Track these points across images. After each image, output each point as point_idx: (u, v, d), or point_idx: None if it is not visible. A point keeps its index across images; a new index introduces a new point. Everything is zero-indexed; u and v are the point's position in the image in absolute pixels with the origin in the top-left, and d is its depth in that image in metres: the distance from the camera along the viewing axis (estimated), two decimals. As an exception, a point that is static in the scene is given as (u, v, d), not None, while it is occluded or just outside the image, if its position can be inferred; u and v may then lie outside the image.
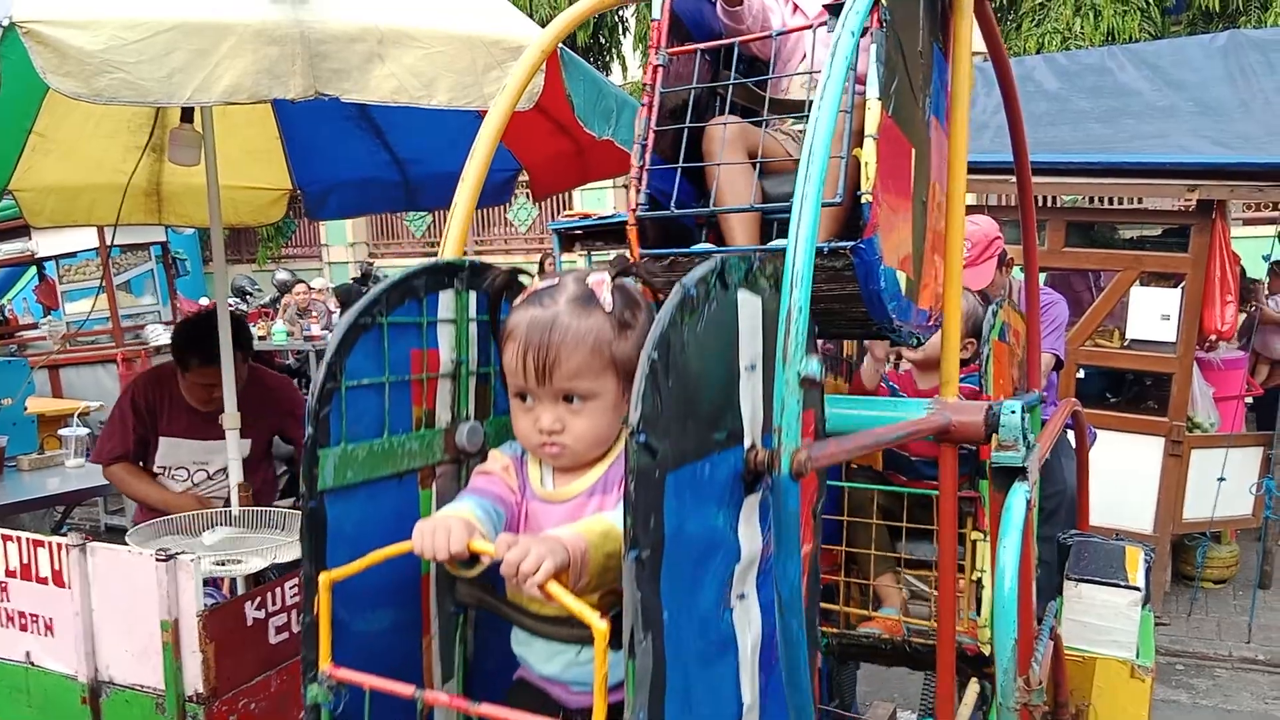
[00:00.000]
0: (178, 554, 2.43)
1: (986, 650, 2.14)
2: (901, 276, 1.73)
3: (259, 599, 2.53)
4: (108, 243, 8.27)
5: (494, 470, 1.52)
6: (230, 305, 4.03)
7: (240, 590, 3.31)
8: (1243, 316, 6.28)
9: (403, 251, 18.87)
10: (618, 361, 1.43)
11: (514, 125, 2.01)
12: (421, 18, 2.66)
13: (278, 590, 2.57)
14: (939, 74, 1.92)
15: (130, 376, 8.15)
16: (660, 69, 1.90)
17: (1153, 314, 5.31)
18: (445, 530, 1.29)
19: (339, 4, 2.57)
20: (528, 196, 4.74)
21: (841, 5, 1.54)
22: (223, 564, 3.04)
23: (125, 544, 2.89)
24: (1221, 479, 5.14)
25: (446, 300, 1.53)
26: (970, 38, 1.94)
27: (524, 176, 4.66)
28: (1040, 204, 5.62)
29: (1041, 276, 6.24)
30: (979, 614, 2.20)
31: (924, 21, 1.81)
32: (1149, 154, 5.09)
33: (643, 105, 1.88)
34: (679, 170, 1.89)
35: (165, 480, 3.78)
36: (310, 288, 11.98)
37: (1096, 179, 5.38)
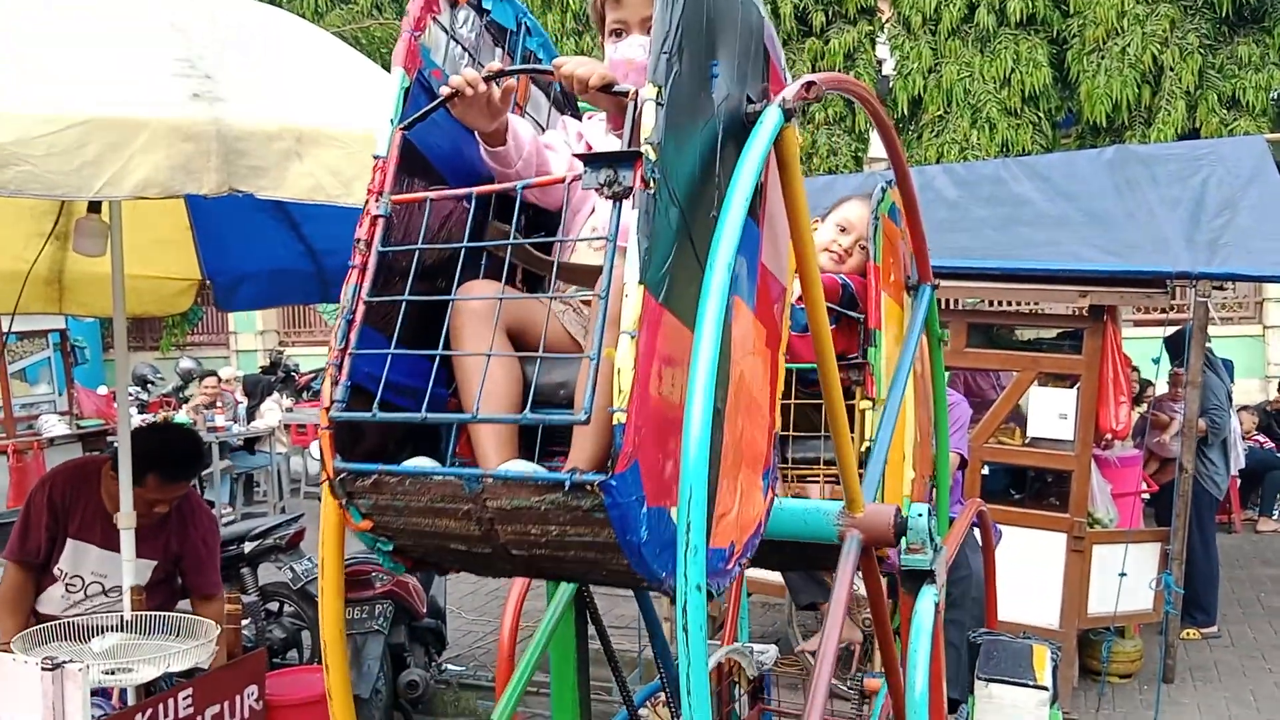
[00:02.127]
0: (65, 662, 2.32)
1: None
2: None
3: (150, 710, 2.42)
4: (3, 329, 7.99)
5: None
6: (130, 394, 3.91)
7: (130, 701, 3.14)
8: (1136, 415, 6.54)
9: (314, 340, 18.58)
10: None
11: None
12: (342, 117, 2.68)
13: (170, 701, 2.46)
14: (748, 248, 1.55)
15: (22, 469, 7.84)
16: (380, 220, 1.53)
17: (1051, 413, 5.49)
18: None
19: (258, 102, 2.58)
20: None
21: (600, 156, 1.34)
22: (113, 673, 2.89)
23: (9, 650, 2.74)
24: (1123, 574, 5.28)
25: None
26: (804, 201, 1.65)
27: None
28: (943, 306, 5.82)
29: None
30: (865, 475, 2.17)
31: (719, 180, 1.51)
32: (1043, 260, 5.32)
33: (352, 267, 1.51)
34: (433, 358, 1.51)
35: (53, 590, 3.57)
36: (219, 378, 11.72)
37: (995, 283, 5.60)
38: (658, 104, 1.33)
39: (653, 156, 1.31)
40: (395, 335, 1.49)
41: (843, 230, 2.70)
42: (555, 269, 1.72)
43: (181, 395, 12.22)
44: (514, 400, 1.63)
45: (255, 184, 2.48)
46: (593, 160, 1.33)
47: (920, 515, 1.95)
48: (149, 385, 13.37)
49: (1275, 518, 9.56)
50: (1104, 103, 10.54)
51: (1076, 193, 5.76)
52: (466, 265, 1.64)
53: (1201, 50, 10.35)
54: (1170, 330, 6.51)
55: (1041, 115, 11.04)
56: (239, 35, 2.87)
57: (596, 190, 1.32)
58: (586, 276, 1.76)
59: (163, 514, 3.57)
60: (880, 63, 11.63)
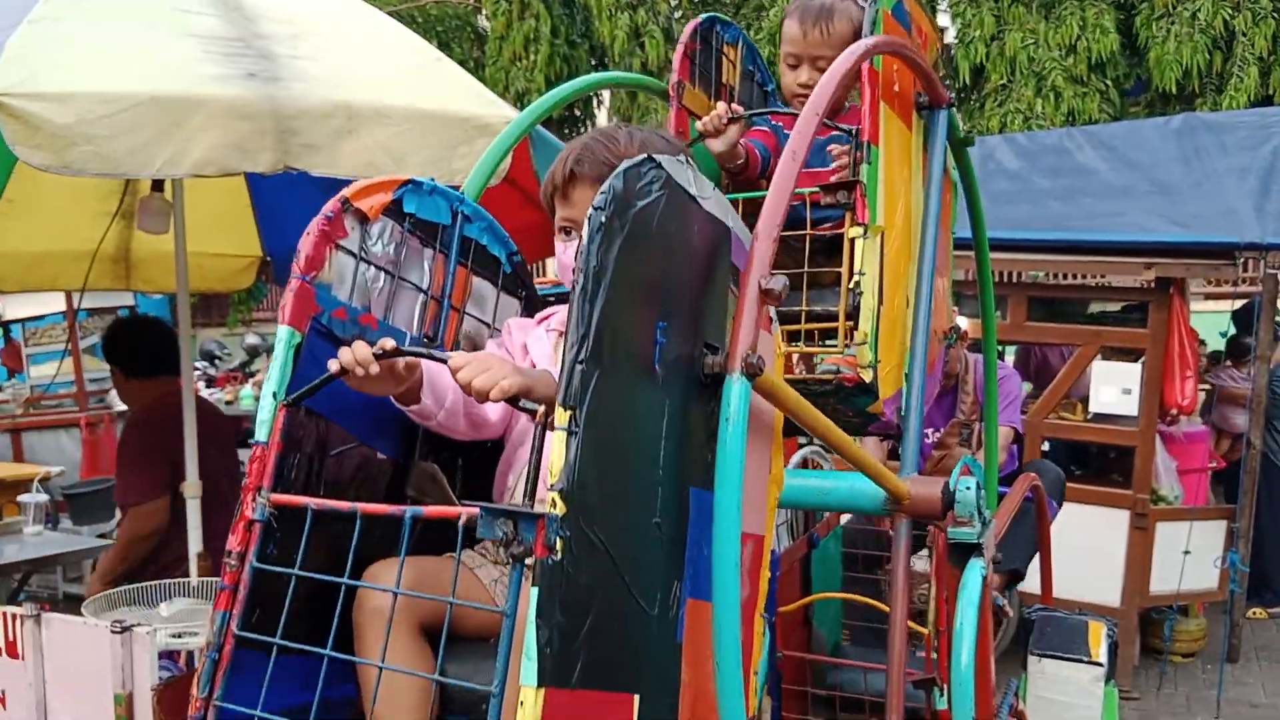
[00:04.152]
0: (134, 625, 2.40)
1: (867, 377, 1.84)
2: None
3: (214, 674, 2.48)
4: (74, 307, 8.22)
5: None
6: (198, 369, 4.03)
7: (197, 663, 3.24)
8: (1204, 391, 6.39)
9: (374, 317, 18.83)
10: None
11: (486, 198, 2.05)
12: (393, 96, 2.71)
13: (234, 664, 2.53)
14: (697, 546, 1.30)
15: (93, 442, 8.06)
16: (258, 526, 1.39)
17: (1114, 388, 5.38)
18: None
19: (311, 81, 2.62)
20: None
21: (495, 510, 1.12)
22: (179, 636, 2.98)
23: (81, 614, 2.84)
24: (1187, 552, 5.17)
25: None
26: (808, 414, 1.49)
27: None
28: (1002, 279, 5.71)
29: (1010, 351, 6.35)
30: (856, 329, 1.87)
31: (663, 457, 1.25)
32: (1107, 232, 5.21)
33: (222, 589, 1.35)
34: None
35: None
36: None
37: (1057, 256, 5.49)
38: (570, 433, 1.08)
39: (560, 510, 1.06)
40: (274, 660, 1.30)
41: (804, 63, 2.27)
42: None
43: (248, 370, 12.46)
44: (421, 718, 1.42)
45: (309, 161, 2.53)
46: (490, 512, 1.12)
47: (968, 488, 1.93)
48: (216, 360, 13.66)
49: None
50: (1174, 69, 10.22)
51: (1142, 162, 5.62)
52: (380, 542, 1.41)
53: (1275, 14, 9.97)
54: (1239, 304, 6.34)
55: (1109, 83, 10.75)
56: (293, 14, 2.91)
57: (494, 543, 1.14)
58: None
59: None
60: (941, 30, 11.40)
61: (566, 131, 13.39)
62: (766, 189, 1.40)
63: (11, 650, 2.52)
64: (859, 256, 1.88)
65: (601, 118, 14.12)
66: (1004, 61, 10.96)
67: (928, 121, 2.25)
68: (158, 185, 3.79)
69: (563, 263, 1.68)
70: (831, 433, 1.56)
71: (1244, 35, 10.10)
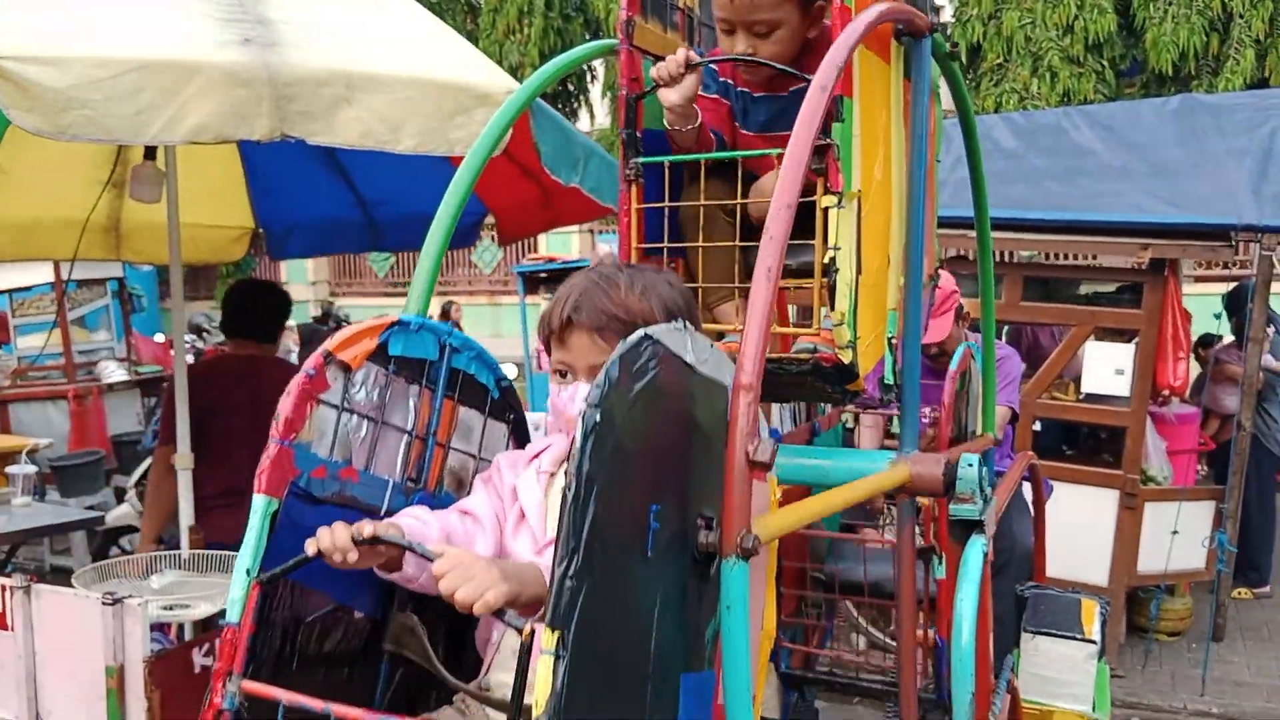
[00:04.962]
0: (125, 597, 2.38)
1: (846, 358, 1.71)
2: None
3: (207, 645, 2.48)
4: (63, 277, 8.16)
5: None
6: (187, 342, 4.02)
7: (189, 636, 3.23)
8: (1195, 371, 6.41)
9: (364, 291, 18.77)
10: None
11: (482, 170, 2.02)
12: (389, 63, 2.68)
13: (228, 636, 2.52)
14: None
15: (82, 413, 8.02)
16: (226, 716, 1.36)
17: (1107, 368, 5.39)
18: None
19: (308, 48, 2.58)
20: (493, 239, 4.76)
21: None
22: (171, 608, 2.97)
23: (71, 586, 2.83)
24: (1175, 532, 5.20)
25: None
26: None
27: (490, 220, 4.68)
28: (997, 259, 5.71)
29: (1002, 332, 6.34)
30: (832, 309, 1.71)
31: (657, 641, 1.20)
32: (1104, 213, 5.20)
33: None
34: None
35: None
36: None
37: (1053, 235, 5.48)
38: (556, 656, 1.04)
39: None
40: None
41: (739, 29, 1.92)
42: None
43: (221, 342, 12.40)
44: None
45: (306, 129, 2.50)
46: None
47: (970, 465, 1.93)
48: (204, 333, 13.59)
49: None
50: (1170, 51, 10.21)
51: (1140, 143, 5.61)
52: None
53: (1273, -4, 9.98)
54: (1232, 286, 6.35)
55: (1105, 64, 10.73)
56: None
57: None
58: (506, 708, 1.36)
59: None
60: (938, 9, 11.35)
61: (560, 106, 13.31)
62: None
63: (1, 622, 2.50)
64: (833, 228, 1.68)
65: (594, 92, 14.04)
66: (1001, 41, 10.92)
67: (909, 49, 1.94)
68: (150, 153, 3.74)
69: (555, 406, 1.60)
70: (830, 508, 1.52)
71: (1241, 17, 10.08)
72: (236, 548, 1.42)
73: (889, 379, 1.88)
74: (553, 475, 1.62)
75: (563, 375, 1.59)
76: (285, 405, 1.44)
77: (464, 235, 4.79)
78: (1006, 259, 5.76)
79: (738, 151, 1.91)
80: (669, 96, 1.83)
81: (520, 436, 1.83)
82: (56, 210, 4.47)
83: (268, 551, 1.41)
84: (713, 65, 1.98)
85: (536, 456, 1.67)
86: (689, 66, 1.81)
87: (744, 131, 2.02)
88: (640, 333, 1.17)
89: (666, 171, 1.85)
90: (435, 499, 1.68)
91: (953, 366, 2.34)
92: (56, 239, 4.58)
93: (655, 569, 1.17)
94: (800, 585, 2.70)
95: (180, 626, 3.28)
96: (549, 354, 1.64)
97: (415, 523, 1.52)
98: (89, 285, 10.00)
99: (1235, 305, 6.18)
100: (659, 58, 1.90)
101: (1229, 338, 6.55)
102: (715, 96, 2.01)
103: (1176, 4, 10.21)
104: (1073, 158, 5.67)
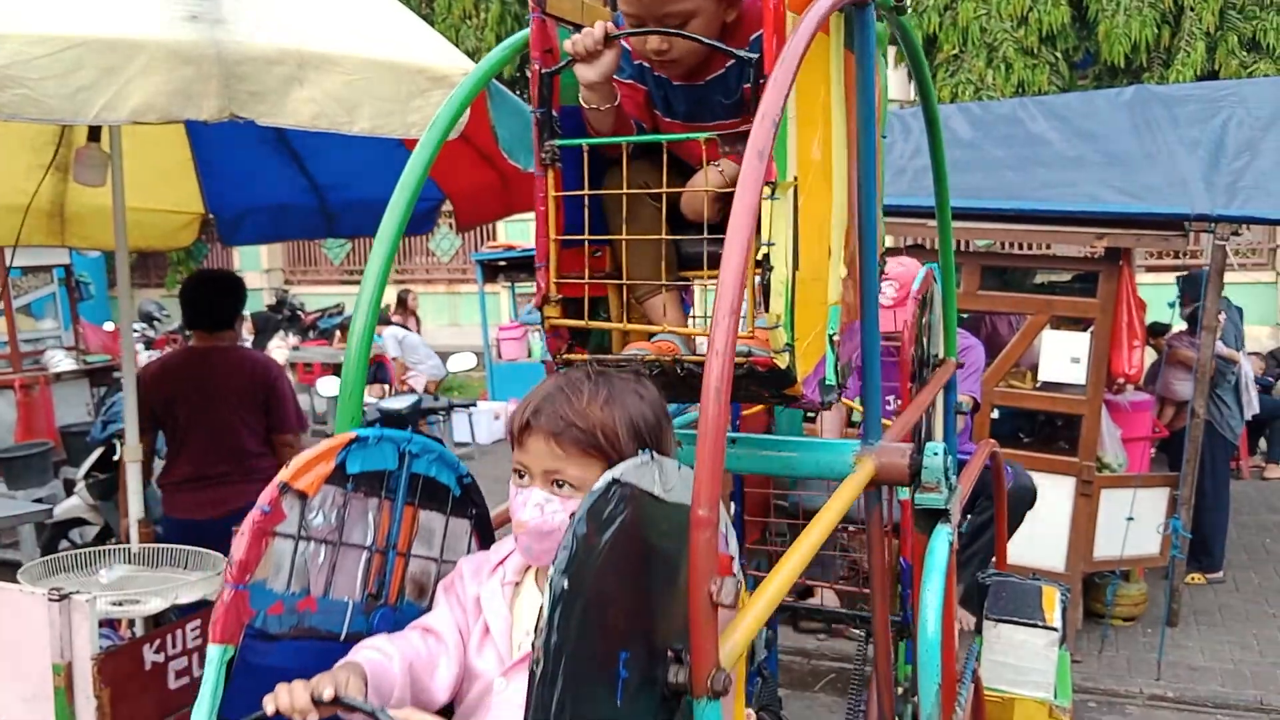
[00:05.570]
0: (72, 593, 2.31)
1: (782, 363, 1.62)
2: None
3: (158, 641, 2.41)
4: (6, 264, 7.94)
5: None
6: (136, 331, 3.94)
7: (139, 632, 3.15)
8: (1150, 359, 6.49)
9: (320, 279, 18.53)
10: None
11: (439, 154, 1.96)
12: (344, 42, 2.60)
13: (178, 632, 2.46)
14: None
15: (28, 404, 7.83)
16: None
17: (1063, 357, 5.44)
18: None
19: (259, 25, 2.50)
20: (450, 227, 4.70)
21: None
22: (120, 604, 2.89)
23: (17, 581, 2.74)
24: (1130, 518, 5.27)
25: None
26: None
27: (448, 206, 4.61)
28: (955, 248, 5.74)
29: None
30: (766, 310, 1.62)
31: None
32: (1059, 202, 5.24)
33: None
34: None
35: None
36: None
37: (1009, 225, 5.52)
38: None
39: None
40: None
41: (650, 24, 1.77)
42: None
43: (186, 333, 12.20)
44: None
45: (256, 110, 2.42)
46: None
47: (935, 454, 1.92)
48: (154, 322, 13.37)
49: (1283, 464, 9.52)
50: (1123, 43, 10.34)
51: (1095, 133, 5.66)
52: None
53: (1224, -11, 10.14)
54: (1184, 273, 6.43)
55: (1059, 55, 10.86)
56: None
57: None
58: None
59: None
60: (895, -1, 11.40)
61: (518, 92, 13.19)
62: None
63: (-57, 618, 2.42)
64: (766, 223, 1.55)
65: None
66: (956, 32, 11.00)
67: (850, 16, 1.81)
68: (94, 135, 3.63)
69: (512, 505, 1.52)
70: (805, 560, 1.51)
71: (1191, 10, 10.23)
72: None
73: (830, 379, 1.80)
74: (517, 584, 1.57)
75: (519, 475, 1.52)
76: (239, 547, 1.37)
77: (420, 221, 4.71)
78: (963, 248, 5.79)
79: (663, 135, 1.80)
80: (586, 74, 1.71)
81: (483, 532, 1.76)
82: (-3, 194, 4.34)
83: (226, 695, 1.34)
84: (627, 46, 1.82)
85: (500, 564, 1.61)
86: (608, 40, 1.69)
87: (666, 120, 1.92)
88: (608, 477, 1.15)
89: (585, 155, 1.75)
90: (397, 612, 1.62)
91: (915, 286, 2.30)
92: (-2, 223, 4.45)
93: (625, 712, 1.15)
94: (764, 513, 2.69)
95: (131, 622, 3.20)
96: (513, 444, 1.57)
97: (377, 655, 1.45)
98: (34, 272, 9.77)
99: (1189, 292, 6.27)
100: (578, 27, 1.76)
101: (1179, 326, 6.64)
102: (630, 81, 1.88)
103: (1129, -4, 10.35)
104: (1029, 148, 5.71)
